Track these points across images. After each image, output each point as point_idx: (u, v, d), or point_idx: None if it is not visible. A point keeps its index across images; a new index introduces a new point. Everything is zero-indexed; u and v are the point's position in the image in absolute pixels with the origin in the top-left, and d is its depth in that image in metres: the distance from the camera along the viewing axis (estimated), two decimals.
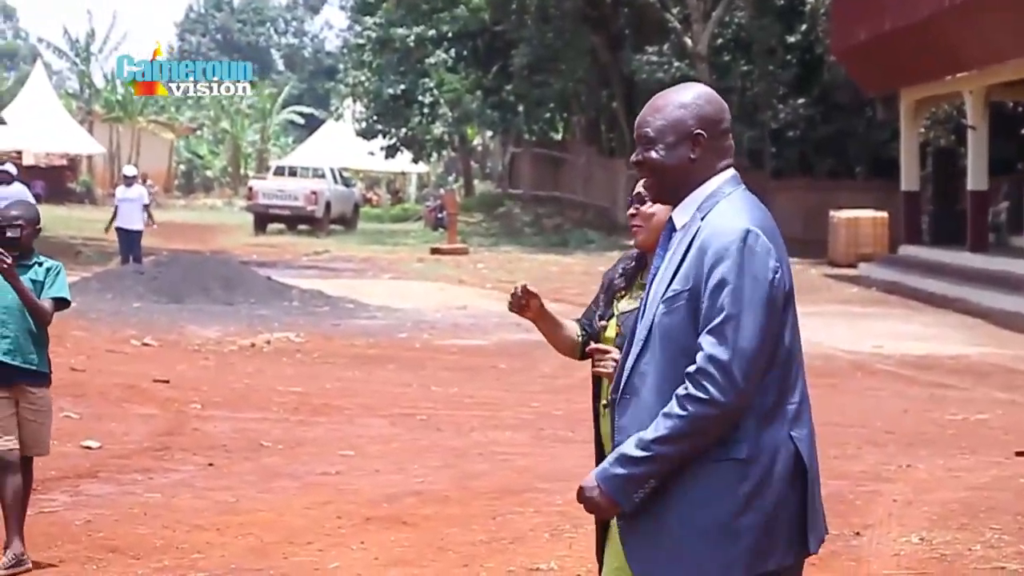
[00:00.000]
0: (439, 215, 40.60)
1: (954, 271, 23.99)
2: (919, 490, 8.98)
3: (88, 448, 9.87)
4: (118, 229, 23.42)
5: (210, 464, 9.50)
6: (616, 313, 4.20)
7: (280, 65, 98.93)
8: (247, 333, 17.06)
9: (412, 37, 43.73)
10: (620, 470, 3.25)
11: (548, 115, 46.72)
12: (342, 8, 57.82)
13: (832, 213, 31.29)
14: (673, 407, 3.20)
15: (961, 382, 14.73)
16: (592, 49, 40.49)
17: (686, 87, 3.50)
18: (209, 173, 72.01)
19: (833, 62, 33.59)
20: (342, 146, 55.56)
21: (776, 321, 3.28)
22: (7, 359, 6.68)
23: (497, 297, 23.02)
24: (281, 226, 40.74)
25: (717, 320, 3.20)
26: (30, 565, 6.74)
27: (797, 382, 3.34)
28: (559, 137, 50.73)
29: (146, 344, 15.94)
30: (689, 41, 36.33)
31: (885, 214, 30.29)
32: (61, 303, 6.79)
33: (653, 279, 3.42)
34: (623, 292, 4.24)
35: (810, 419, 3.38)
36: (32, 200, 21.86)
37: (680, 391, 3.19)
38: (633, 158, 3.50)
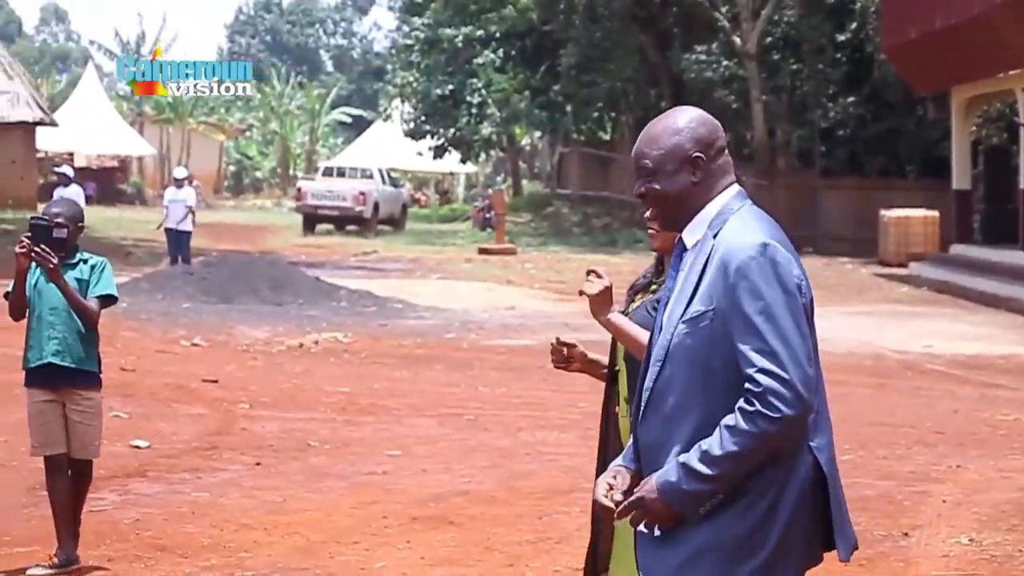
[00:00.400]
0: (487, 215, 40.62)
1: (1006, 270, 23.76)
2: (969, 491, 8.90)
3: (137, 447, 9.93)
4: (167, 230, 23.58)
5: (258, 464, 9.54)
6: (630, 311, 4.24)
7: (329, 66, 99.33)
8: (295, 333, 17.12)
9: (460, 37, 43.77)
10: (687, 485, 3.21)
11: (596, 115, 46.64)
12: (390, 9, 58.03)
13: (882, 212, 31.08)
14: (740, 423, 3.17)
15: (1012, 382, 14.59)
16: (640, 48, 40.38)
17: (677, 112, 3.51)
18: (258, 174, 72.34)
19: (883, 60, 33.36)
20: (390, 147, 55.67)
21: (811, 328, 3.28)
22: (56, 360, 6.61)
23: (545, 297, 23.01)
24: (330, 227, 40.85)
25: (762, 337, 3.18)
26: (80, 566, 6.76)
27: (819, 390, 3.31)
28: (607, 137, 50.62)
29: (195, 344, 16.03)
30: (738, 40, 36.19)
31: (936, 213, 30.05)
32: (108, 300, 6.71)
33: (668, 300, 3.40)
34: (642, 294, 4.29)
35: (829, 427, 3.36)
36: (82, 202, 22.08)
37: (746, 407, 3.16)
38: (636, 191, 3.49)
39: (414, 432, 10.99)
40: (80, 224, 6.77)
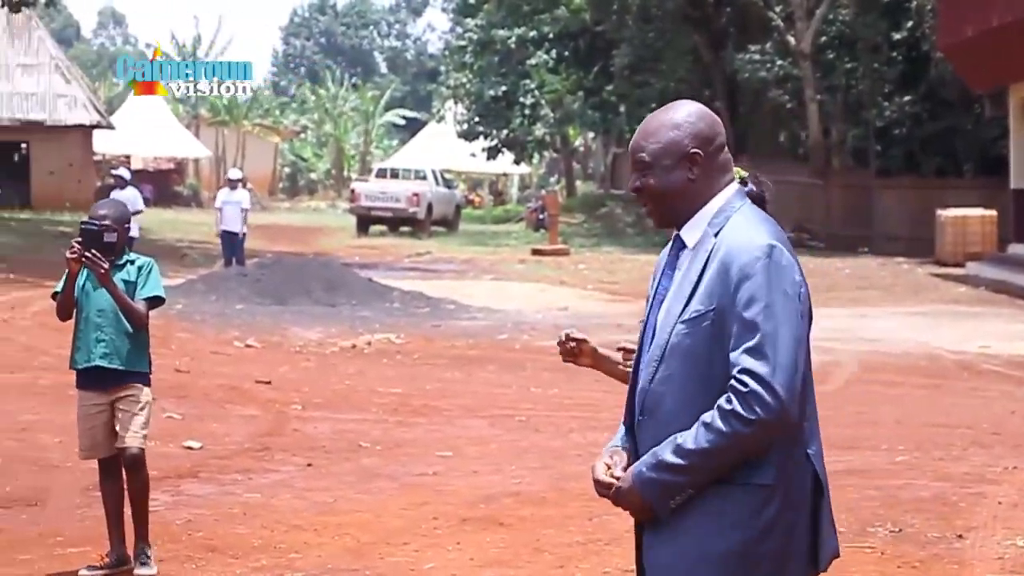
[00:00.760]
0: (540, 216, 40.60)
1: None
2: None
3: (190, 448, 9.97)
4: (222, 232, 23.67)
5: (309, 464, 9.56)
6: None
7: (383, 68, 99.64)
8: (348, 334, 17.16)
9: (513, 38, 43.81)
10: (657, 476, 3.20)
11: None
12: (444, 10, 58.03)
13: (939, 212, 30.80)
14: (716, 421, 3.13)
15: None
16: (694, 48, 40.26)
17: (677, 106, 3.44)
18: (313, 175, 72.69)
19: (940, 58, 33.08)
20: (444, 148, 55.80)
21: (807, 335, 3.24)
22: (104, 362, 6.58)
23: (597, 298, 22.96)
24: (383, 228, 40.96)
25: (755, 338, 3.13)
26: (130, 567, 6.76)
27: (810, 398, 3.29)
28: None
29: (249, 346, 16.09)
30: (792, 39, 35.99)
31: (994, 212, 29.74)
32: (155, 301, 6.68)
33: (662, 298, 3.35)
34: None
35: (819, 435, 3.33)
36: (142, 205, 22.24)
37: (724, 405, 3.13)
38: (631, 186, 3.44)
39: (465, 433, 10.98)
40: (126, 225, 6.74)
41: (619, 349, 4.10)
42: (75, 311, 6.67)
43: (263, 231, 35.63)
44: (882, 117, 36.66)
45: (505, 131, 45.84)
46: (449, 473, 9.35)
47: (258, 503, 8.37)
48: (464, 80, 46.90)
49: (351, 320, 18.54)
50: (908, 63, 36.72)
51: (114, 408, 6.67)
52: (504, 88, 44.88)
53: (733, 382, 3.13)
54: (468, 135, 47.46)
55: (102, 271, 6.40)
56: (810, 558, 3.29)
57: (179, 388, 12.57)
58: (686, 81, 41.28)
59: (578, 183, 61.20)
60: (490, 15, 45.33)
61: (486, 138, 46.97)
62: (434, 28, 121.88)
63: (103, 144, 50.25)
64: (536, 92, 44.18)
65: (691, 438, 3.16)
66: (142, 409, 6.69)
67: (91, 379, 6.66)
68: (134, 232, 21.77)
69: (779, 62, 36.65)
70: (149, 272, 6.65)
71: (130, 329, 6.60)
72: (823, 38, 36.73)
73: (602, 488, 3.35)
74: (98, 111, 45.00)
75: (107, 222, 6.50)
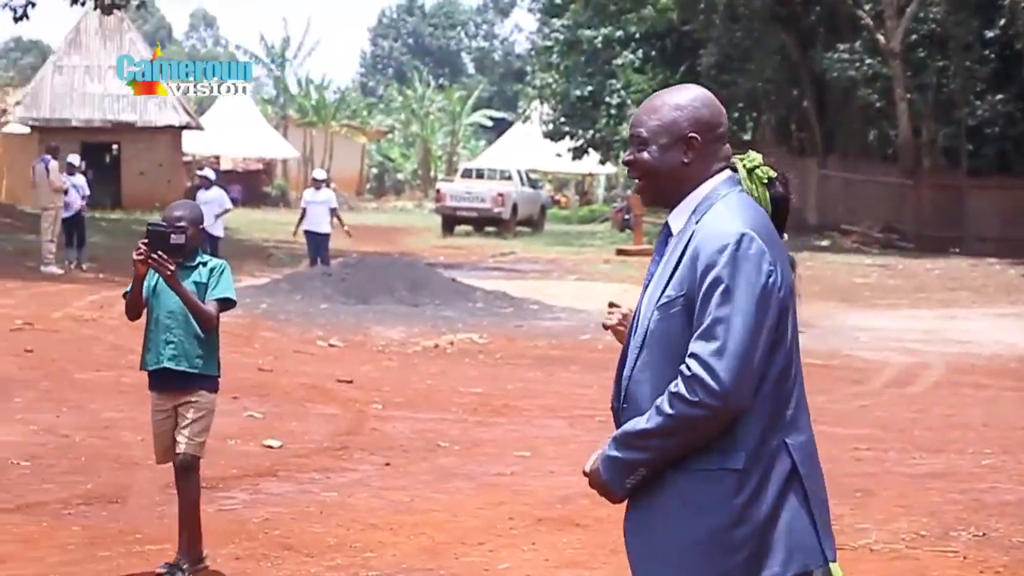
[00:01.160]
0: (626, 216, 40.47)
1: None
2: None
3: (269, 447, 10.00)
4: (306, 232, 23.76)
5: (387, 464, 9.56)
6: None
7: (470, 68, 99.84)
8: (431, 334, 17.18)
9: (600, 38, 43.68)
10: (614, 454, 3.29)
11: (737, 115, 46.19)
12: (531, 11, 57.95)
13: None
14: (663, 403, 3.20)
15: None
16: (782, 47, 39.92)
17: (684, 88, 3.45)
18: (400, 176, 72.99)
19: None
20: (530, 148, 55.78)
21: (769, 325, 3.22)
22: (171, 365, 6.49)
23: None
24: (469, 228, 41.03)
25: (707, 323, 3.18)
26: (203, 566, 6.74)
27: (795, 388, 3.30)
28: (748, 137, 50.14)
29: (332, 345, 16.15)
30: (882, 38, 35.56)
31: None
32: (226, 303, 6.57)
33: (647, 284, 3.39)
34: None
35: (808, 425, 3.33)
36: (228, 205, 22.41)
37: (672, 387, 3.19)
38: (624, 158, 3.47)
39: (544, 433, 10.94)
40: (201, 226, 6.68)
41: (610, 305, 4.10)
42: (146, 312, 6.62)
43: (347, 230, 35.75)
44: (974, 116, 36.14)
45: (591, 131, 45.71)
46: (526, 473, 9.31)
47: (335, 502, 8.37)
48: (550, 80, 46.85)
49: (434, 320, 18.55)
50: (1001, 61, 36.17)
51: (178, 410, 6.59)
52: (590, 88, 44.76)
53: (682, 366, 3.18)
54: (554, 135, 47.41)
55: (168, 273, 6.31)
56: (803, 549, 3.24)
57: (261, 387, 12.63)
58: (773, 81, 40.97)
59: None
60: (577, 15, 45.25)
61: (572, 138, 46.88)
62: (521, 28, 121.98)
63: (193, 145, 50.79)
64: (622, 92, 43.98)
65: (644, 419, 3.23)
66: (202, 416, 6.59)
67: (160, 381, 6.59)
68: (218, 232, 22.00)
69: (868, 61, 36.22)
70: (221, 274, 6.55)
71: (199, 332, 6.51)
72: (913, 36, 36.26)
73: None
74: (187, 112, 45.50)
75: (182, 223, 6.41)
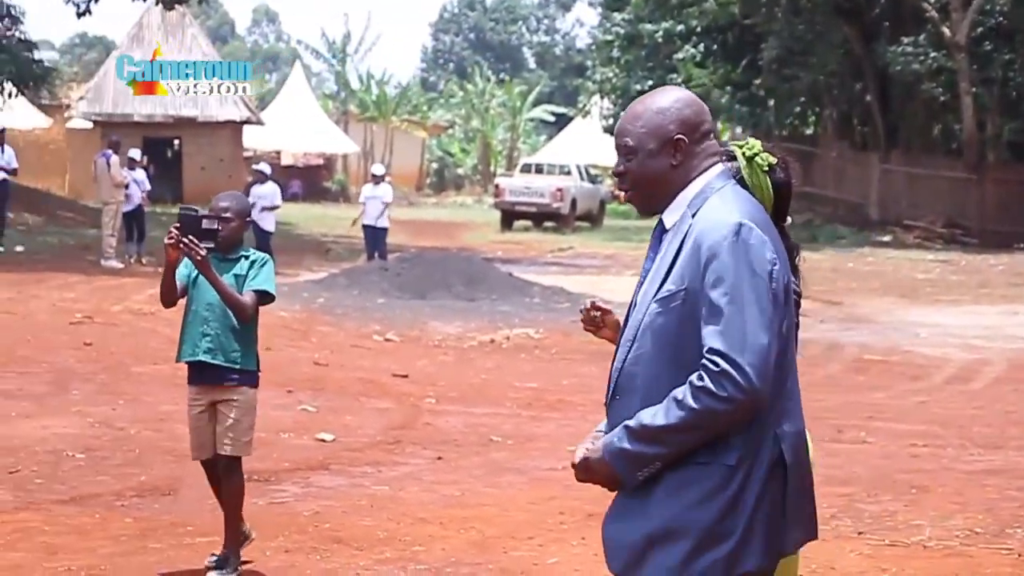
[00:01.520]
0: None
1: None
2: None
3: (322, 441, 10.02)
4: (364, 226, 23.85)
5: (439, 458, 9.55)
6: None
7: (531, 63, 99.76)
8: (487, 329, 17.16)
9: (660, 32, 43.54)
10: (628, 447, 3.25)
11: (799, 109, 45.93)
12: (592, 5, 57.93)
13: None
14: (687, 397, 3.17)
15: None
16: (845, 41, 39.59)
17: (664, 91, 3.45)
18: (460, 171, 72.95)
19: None
20: (591, 143, 55.64)
21: (780, 315, 3.22)
22: (207, 358, 6.39)
23: None
24: (528, 223, 40.99)
25: (723, 318, 3.15)
26: (243, 560, 6.70)
27: (788, 379, 3.30)
28: (810, 131, 49.81)
29: (388, 339, 16.17)
30: (947, 31, 35.18)
31: None
32: (264, 296, 6.41)
33: (644, 279, 3.38)
34: None
35: (801, 417, 3.34)
36: (279, 201, 22.47)
37: (696, 382, 3.16)
38: (614, 169, 3.45)
39: None
40: (248, 219, 6.62)
41: (591, 304, 4.08)
42: (185, 302, 6.53)
43: (409, 226, 35.87)
44: None
45: None
46: None
47: (386, 495, 8.37)
48: (611, 75, 46.73)
49: (490, 315, 18.54)
50: None
51: (216, 410, 6.50)
52: (651, 82, 44.50)
53: (705, 361, 3.15)
54: (614, 130, 47.32)
55: (199, 258, 6.16)
56: (776, 540, 3.26)
57: (316, 381, 12.67)
58: (836, 74, 40.66)
59: None
60: (638, 9, 45.10)
61: None
62: (583, 23, 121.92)
63: (253, 140, 51.02)
64: (683, 87, 43.82)
65: (662, 412, 3.19)
66: (244, 415, 6.49)
67: (196, 373, 6.52)
68: (269, 227, 22.07)
69: (933, 54, 35.81)
70: (262, 267, 6.42)
71: (236, 325, 6.39)
72: (979, 29, 35.82)
73: (579, 473, 3.41)
74: (248, 107, 45.74)
75: (227, 214, 6.35)
